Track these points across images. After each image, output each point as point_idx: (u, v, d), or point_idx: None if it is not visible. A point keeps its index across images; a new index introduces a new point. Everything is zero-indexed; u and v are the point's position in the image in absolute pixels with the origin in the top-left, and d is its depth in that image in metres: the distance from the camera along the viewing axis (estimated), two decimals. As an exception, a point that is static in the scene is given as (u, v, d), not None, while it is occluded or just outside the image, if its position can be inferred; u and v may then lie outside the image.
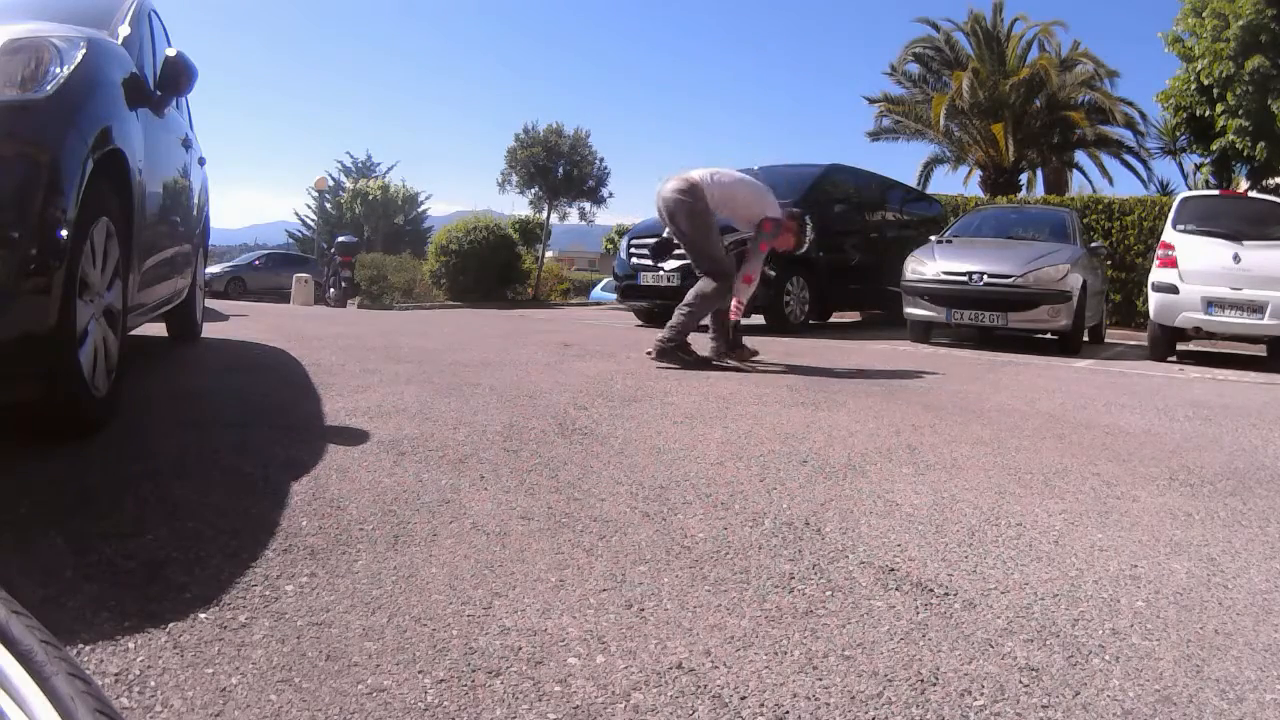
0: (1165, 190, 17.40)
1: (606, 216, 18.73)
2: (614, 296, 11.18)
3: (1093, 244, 8.45)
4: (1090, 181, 19.61)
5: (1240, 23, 10.47)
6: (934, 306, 7.15)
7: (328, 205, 29.74)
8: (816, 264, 8.46)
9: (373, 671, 1.14)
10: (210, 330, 5.14)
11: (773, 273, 7.40)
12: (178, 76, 2.87)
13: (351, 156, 34.91)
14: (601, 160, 15.89)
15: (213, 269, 19.31)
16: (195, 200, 4.06)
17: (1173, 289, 6.72)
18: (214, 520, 1.64)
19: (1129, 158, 18.31)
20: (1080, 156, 19.04)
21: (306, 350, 4.25)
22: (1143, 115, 17.69)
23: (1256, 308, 6.45)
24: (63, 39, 1.99)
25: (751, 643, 1.29)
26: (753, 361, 4.72)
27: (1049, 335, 7.35)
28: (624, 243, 8.52)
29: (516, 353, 4.76)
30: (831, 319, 10.47)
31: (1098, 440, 2.98)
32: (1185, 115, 12.28)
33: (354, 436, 2.39)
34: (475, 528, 1.72)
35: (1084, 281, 7.13)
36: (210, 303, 7.03)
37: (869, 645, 1.30)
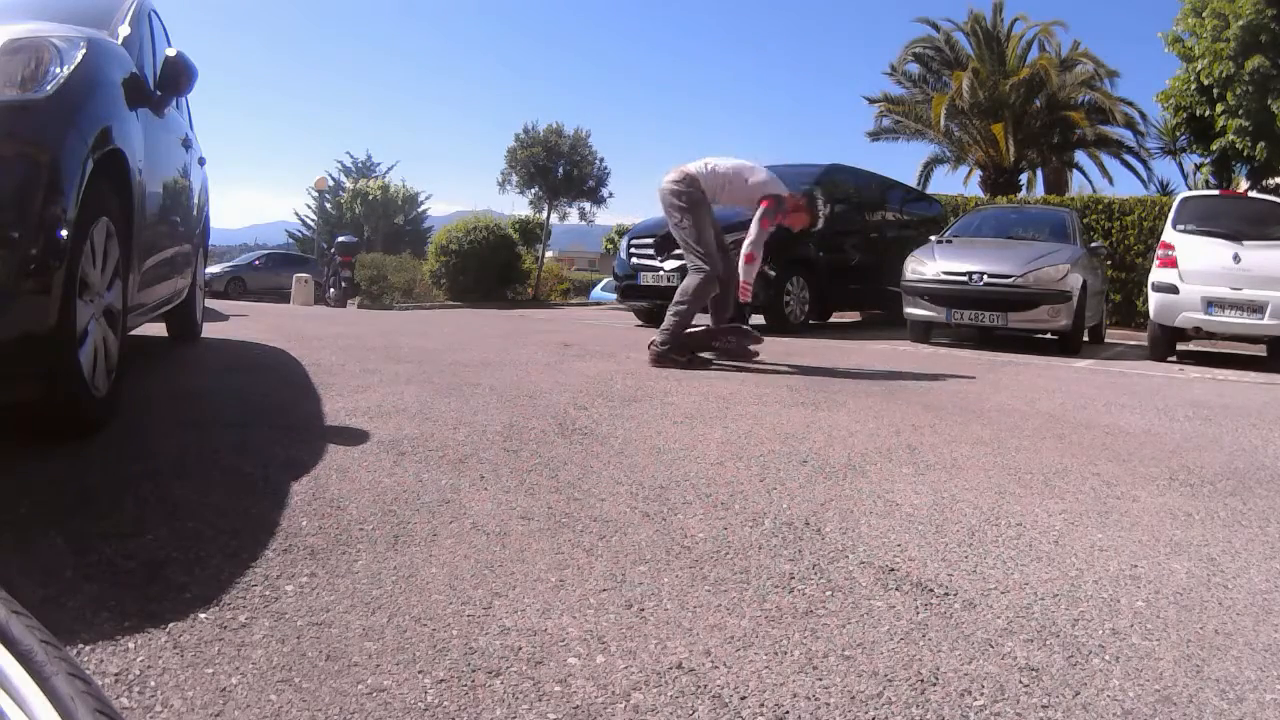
0: (1165, 190, 17.41)
1: (606, 216, 18.74)
2: (614, 296, 11.18)
3: (1093, 244, 8.45)
4: (1090, 181, 19.62)
5: (1240, 23, 10.47)
6: (934, 306, 7.15)
7: (328, 205, 29.74)
8: (816, 264, 8.46)
9: (373, 671, 1.14)
10: (210, 330, 5.14)
11: (773, 273, 7.40)
12: (178, 76, 2.87)
13: (351, 156, 34.95)
14: (601, 160, 15.90)
15: (213, 269, 19.31)
16: (195, 200, 4.06)
17: (1173, 289, 6.72)
18: (214, 520, 1.64)
19: (1129, 158, 18.32)
20: (1080, 156, 19.05)
21: (306, 350, 4.24)
22: (1143, 115, 17.71)
23: (1256, 308, 6.45)
24: (63, 39, 1.99)
25: (751, 643, 1.29)
26: (711, 359, 4.70)
27: (1049, 335, 7.35)
28: (624, 243, 8.52)
29: (516, 353, 4.76)
30: (831, 319, 10.47)
31: (1098, 440, 2.98)
32: (1185, 115, 12.29)
33: (354, 436, 2.39)
34: (475, 528, 1.72)
35: (1084, 281, 7.13)
36: (210, 303, 7.03)
37: (869, 645, 1.30)
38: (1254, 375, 5.96)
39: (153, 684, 1.07)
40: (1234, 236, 6.69)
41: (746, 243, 4.63)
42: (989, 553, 1.74)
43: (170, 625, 1.22)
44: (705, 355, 4.64)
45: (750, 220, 4.74)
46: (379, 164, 34.00)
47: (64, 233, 1.81)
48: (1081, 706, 1.15)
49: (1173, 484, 2.40)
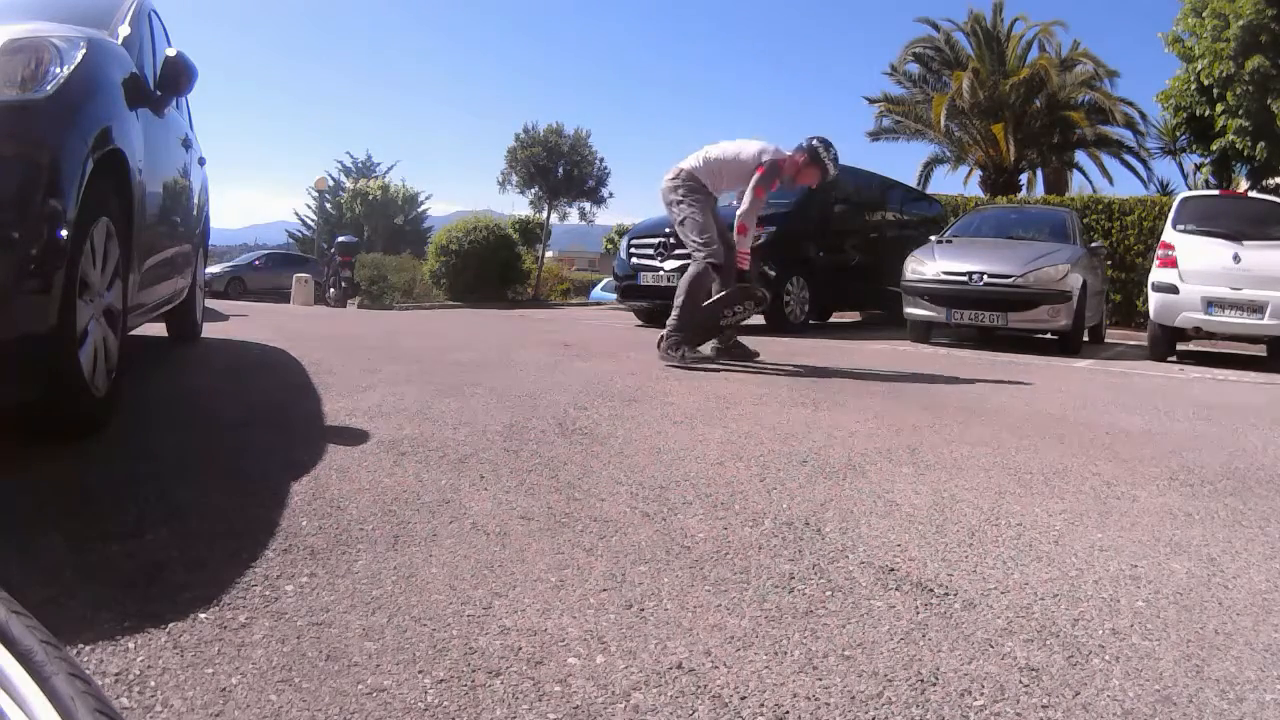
0: (1165, 190, 17.40)
1: (606, 216, 18.74)
2: (614, 296, 11.18)
3: (1093, 244, 8.45)
4: (1090, 181, 19.63)
5: (1240, 23, 10.47)
6: (934, 306, 7.15)
7: (328, 205, 29.73)
8: (816, 264, 8.46)
9: (373, 671, 1.14)
10: (210, 330, 5.14)
11: (773, 273, 7.40)
12: (178, 76, 2.87)
13: (351, 156, 34.89)
14: (601, 160, 15.90)
15: (213, 269, 19.30)
16: (195, 200, 4.06)
17: (1173, 289, 6.72)
18: (214, 520, 1.64)
19: (1129, 158, 18.32)
20: (1080, 156, 19.06)
21: (306, 350, 4.24)
22: (1143, 115, 17.71)
23: (1256, 308, 6.45)
24: (63, 39, 1.99)
25: (751, 643, 1.29)
26: (715, 358, 4.67)
27: (1049, 335, 7.35)
28: (624, 243, 8.52)
29: (517, 353, 4.76)
30: (831, 319, 10.47)
31: (1098, 440, 2.98)
32: (1185, 115, 12.29)
33: (354, 436, 2.39)
34: (475, 528, 1.72)
35: (1084, 281, 7.13)
36: (210, 303, 7.03)
37: (869, 645, 1.30)
38: (1254, 375, 5.96)
39: (153, 684, 1.07)
40: (1234, 236, 6.69)
41: (739, 212, 4.53)
42: (989, 553, 1.74)
43: (170, 625, 1.22)
44: (706, 353, 4.63)
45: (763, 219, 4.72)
46: (379, 164, 34.00)
47: (64, 233, 1.81)
48: (1081, 706, 1.15)
49: (1173, 484, 2.40)
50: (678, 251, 7.46)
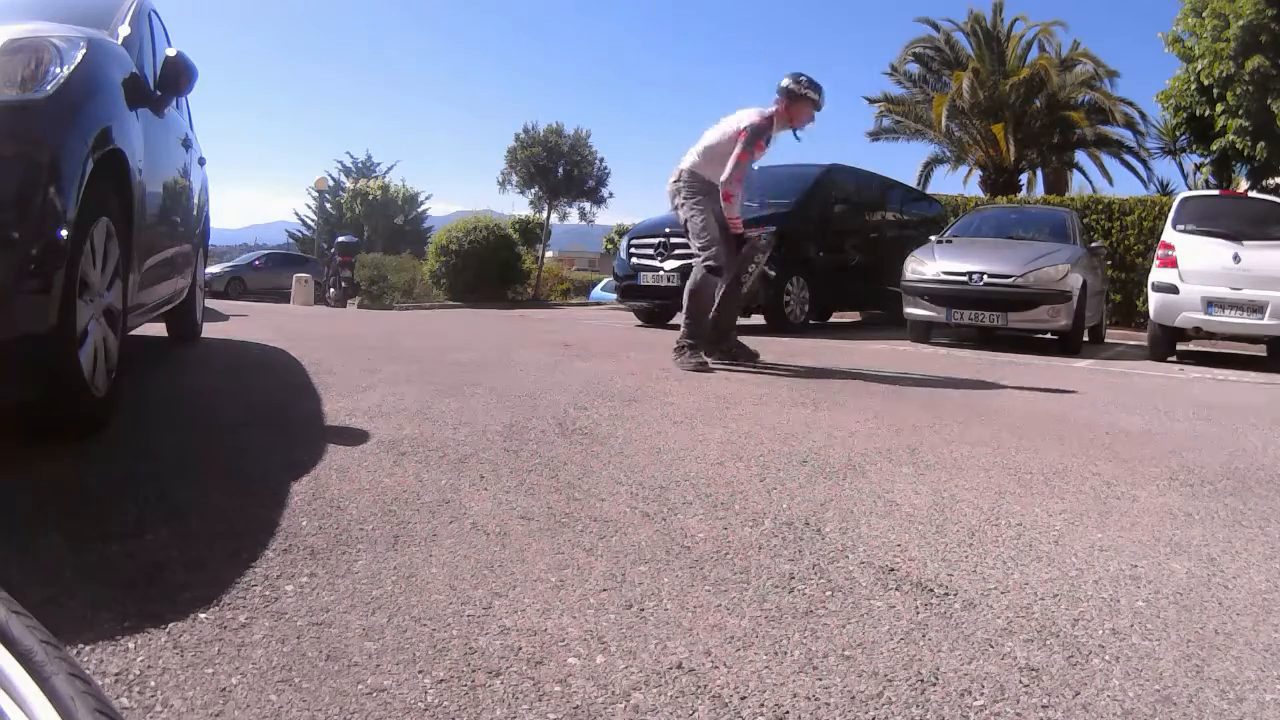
0: (1165, 190, 17.40)
1: (606, 216, 18.74)
2: (614, 296, 11.18)
3: (1093, 244, 8.45)
4: (1090, 181, 19.62)
5: (1240, 23, 10.47)
6: (934, 306, 7.15)
7: (328, 205, 29.73)
8: (816, 264, 8.46)
9: (373, 671, 1.14)
10: (210, 330, 5.14)
11: (773, 273, 7.40)
12: (178, 76, 2.87)
13: (351, 156, 34.88)
14: (601, 160, 15.90)
15: (213, 269, 19.29)
16: (195, 200, 4.06)
17: (1173, 289, 6.72)
18: (214, 520, 1.64)
19: (1129, 158, 18.32)
20: (1080, 156, 19.06)
21: (306, 350, 4.24)
22: (1143, 115, 17.71)
23: (1256, 308, 6.45)
24: (63, 39, 1.99)
25: (751, 643, 1.29)
26: (736, 361, 4.66)
27: (1049, 335, 7.35)
28: (624, 243, 8.52)
29: (517, 353, 4.76)
30: (831, 319, 10.47)
31: (1098, 440, 2.98)
32: (1185, 115, 12.29)
33: (354, 436, 2.39)
34: (475, 528, 1.72)
35: (1084, 281, 7.13)
36: (210, 303, 7.03)
37: (869, 645, 1.30)
38: (1254, 375, 5.96)
39: (153, 684, 1.07)
40: (1234, 236, 6.69)
41: (722, 180, 4.43)
42: (989, 553, 1.74)
43: (170, 625, 1.22)
44: (703, 360, 4.61)
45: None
46: (379, 164, 34.00)
47: (64, 233, 1.81)
48: (1081, 706, 1.15)
49: (1173, 484, 2.40)
50: (678, 251, 7.47)
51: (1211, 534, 1.96)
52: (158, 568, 1.41)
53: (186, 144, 3.77)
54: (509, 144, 15.56)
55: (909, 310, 7.37)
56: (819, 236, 8.67)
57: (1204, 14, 11.07)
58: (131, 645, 1.16)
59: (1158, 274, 6.88)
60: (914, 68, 19.43)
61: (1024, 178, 19.05)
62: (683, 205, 4.51)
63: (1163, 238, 7.07)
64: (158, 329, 4.36)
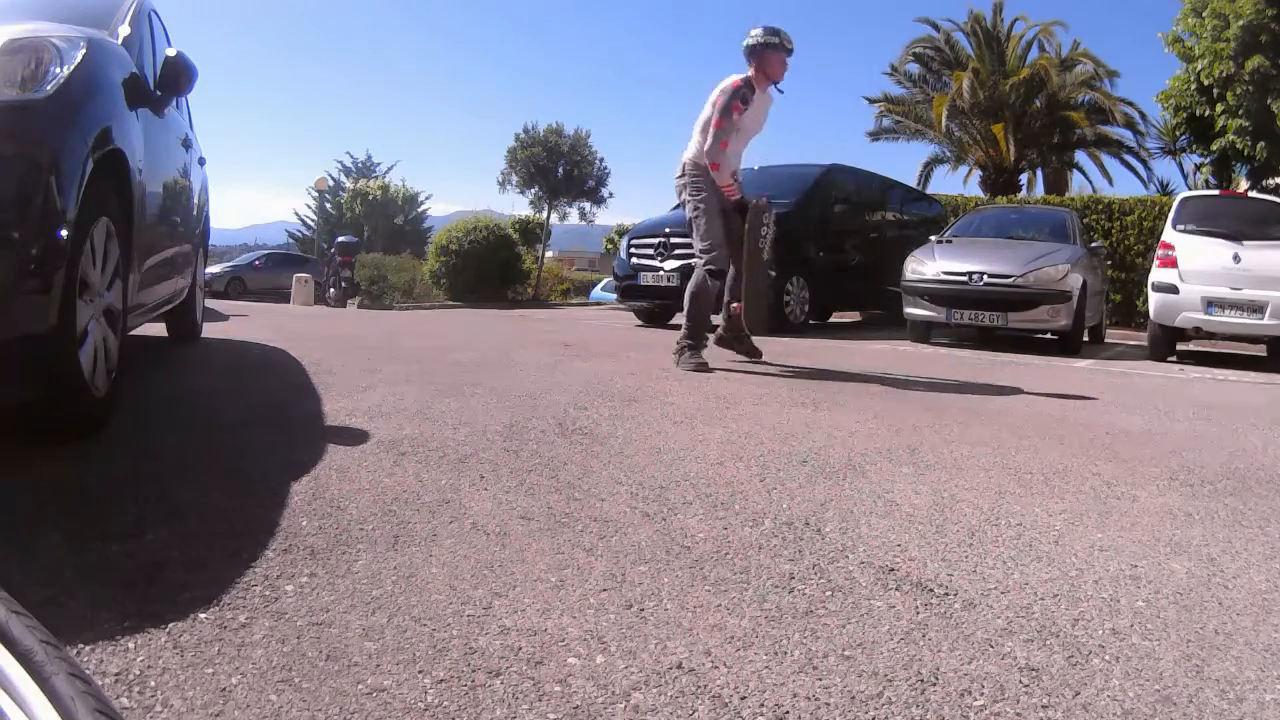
0: (1165, 190, 17.40)
1: (606, 216, 18.75)
2: (614, 296, 11.18)
3: (1093, 244, 8.45)
4: (1090, 181, 19.62)
5: (1240, 23, 10.47)
6: (934, 306, 7.15)
7: (328, 205, 29.72)
8: (816, 264, 8.46)
9: (373, 671, 1.14)
10: (210, 330, 5.14)
11: (773, 273, 7.40)
12: (178, 76, 2.87)
13: (351, 156, 34.87)
14: (601, 160, 15.91)
15: (213, 269, 19.29)
16: (195, 200, 4.06)
17: (1173, 289, 6.72)
18: (214, 520, 1.64)
19: (1129, 158, 18.33)
20: (1080, 156, 19.06)
21: (306, 350, 4.24)
22: (1143, 115, 17.72)
23: (1256, 308, 6.45)
24: (63, 39, 1.99)
25: (751, 643, 1.29)
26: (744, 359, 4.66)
27: (1049, 335, 7.35)
28: (624, 243, 8.53)
29: (517, 353, 4.76)
30: (831, 319, 10.47)
31: (1098, 440, 2.98)
32: (1185, 115, 12.29)
33: (354, 436, 2.39)
34: (475, 528, 1.72)
35: (1084, 281, 7.14)
36: (210, 303, 7.03)
37: (869, 645, 1.30)
38: (1254, 375, 5.96)
39: (153, 684, 1.07)
40: (1234, 236, 6.69)
41: (704, 150, 4.35)
42: (989, 553, 1.74)
43: (170, 625, 1.22)
44: (702, 360, 4.60)
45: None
46: (379, 164, 33.98)
47: (64, 233, 1.81)
48: (1081, 706, 1.15)
49: (1173, 484, 2.40)
50: (678, 251, 7.47)
51: (1211, 534, 1.96)
52: (158, 568, 1.41)
53: (186, 144, 3.77)
54: (509, 144, 15.59)
55: (909, 310, 7.38)
56: (819, 236, 8.68)
57: (1204, 14, 11.08)
58: (131, 645, 1.16)
59: (1158, 274, 6.89)
60: (914, 68, 19.44)
61: (1024, 178, 19.07)
62: (688, 202, 4.49)
63: (1163, 238, 7.07)
64: (158, 329, 4.36)
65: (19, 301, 1.75)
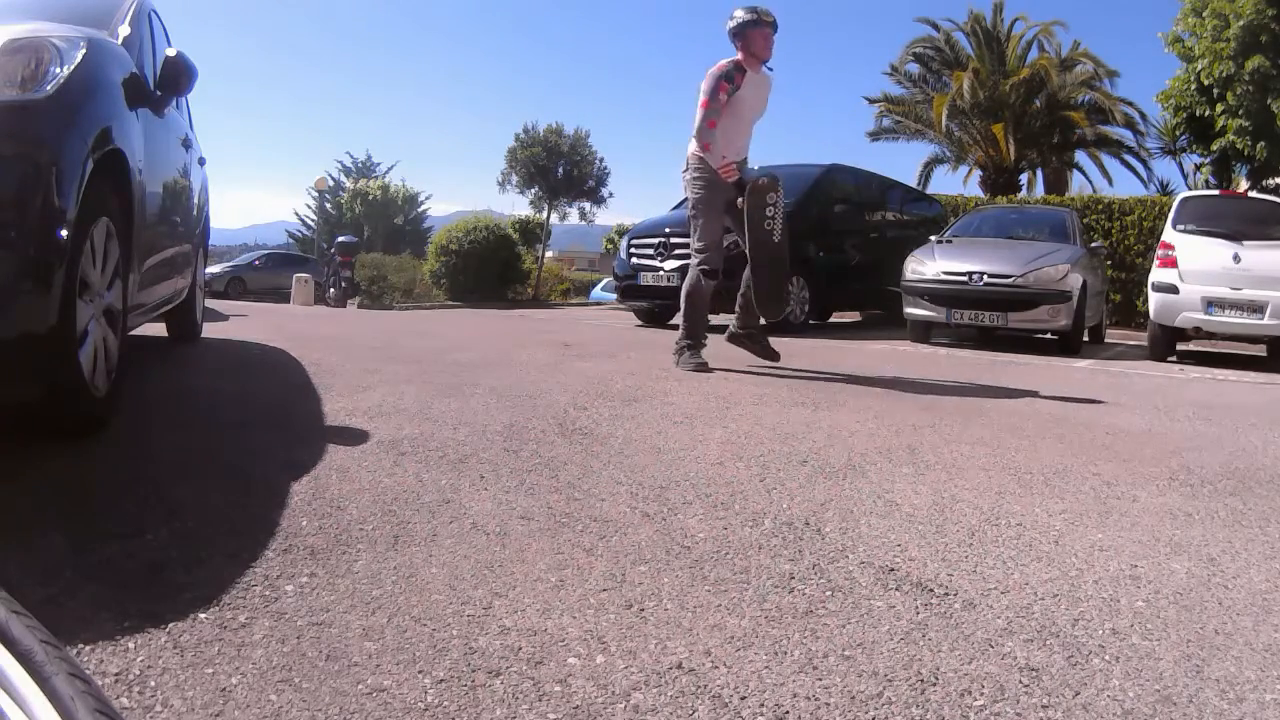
0: (1165, 190, 17.39)
1: (606, 216, 18.75)
2: (614, 296, 11.18)
3: (1093, 244, 8.45)
4: (1090, 181, 19.61)
5: (1240, 23, 10.48)
6: (934, 306, 7.15)
7: (328, 205, 29.72)
8: (816, 264, 8.46)
9: (373, 671, 1.14)
10: (210, 330, 5.14)
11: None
12: (178, 76, 2.87)
13: (351, 156, 34.86)
14: (601, 160, 15.90)
15: (213, 269, 19.29)
16: (195, 200, 4.05)
17: (1173, 289, 6.72)
18: (214, 520, 1.64)
19: (1129, 158, 18.31)
20: (1080, 156, 19.05)
21: (306, 350, 4.24)
22: (1143, 115, 17.70)
23: (1256, 308, 6.45)
24: (63, 39, 1.99)
25: (751, 643, 1.29)
26: (760, 358, 4.65)
27: (1049, 335, 7.35)
28: (624, 243, 8.53)
29: (517, 353, 4.76)
30: (831, 319, 10.47)
31: (1098, 440, 2.98)
32: (1185, 115, 12.29)
33: (354, 436, 2.39)
34: (475, 528, 1.72)
35: (1084, 281, 7.13)
36: (210, 303, 7.03)
37: (869, 645, 1.30)
38: (1254, 375, 5.96)
39: (153, 684, 1.07)
40: (1234, 236, 6.69)
41: (694, 133, 4.31)
42: (989, 553, 1.74)
43: (170, 625, 1.22)
44: (701, 360, 4.60)
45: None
46: (379, 164, 33.98)
47: (64, 233, 1.81)
48: (1081, 706, 1.15)
49: (1173, 484, 2.40)
50: (678, 252, 7.47)
51: (1211, 534, 1.96)
52: (158, 568, 1.41)
53: (186, 144, 3.77)
54: (509, 144, 15.57)
55: (909, 310, 7.37)
56: (819, 236, 8.67)
57: (1204, 14, 11.08)
58: (131, 645, 1.16)
59: (1158, 274, 6.88)
60: (914, 68, 19.43)
61: (1024, 178, 19.06)
62: (689, 199, 4.46)
63: (1163, 238, 7.07)
64: (158, 329, 4.36)
65: (19, 301, 1.75)
